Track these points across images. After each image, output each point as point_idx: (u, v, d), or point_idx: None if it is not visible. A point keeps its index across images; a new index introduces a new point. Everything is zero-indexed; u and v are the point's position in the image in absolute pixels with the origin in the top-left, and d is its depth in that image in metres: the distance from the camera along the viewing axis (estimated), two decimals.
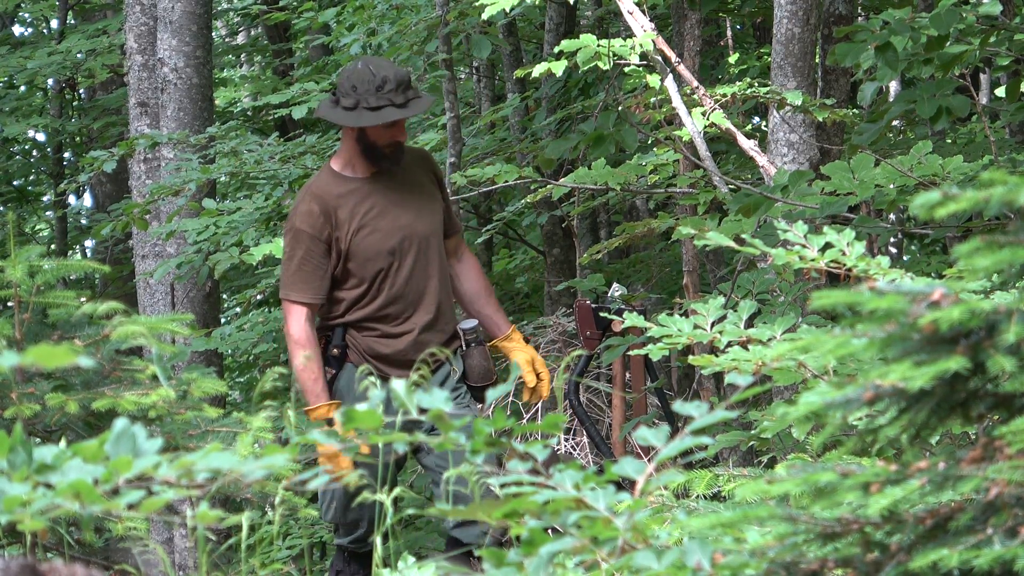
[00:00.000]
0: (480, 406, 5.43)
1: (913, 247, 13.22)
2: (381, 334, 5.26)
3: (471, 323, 5.38)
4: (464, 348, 5.37)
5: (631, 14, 6.94)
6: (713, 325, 3.91)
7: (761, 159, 6.79)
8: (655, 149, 7.88)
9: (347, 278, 5.24)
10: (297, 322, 5.26)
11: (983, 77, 10.93)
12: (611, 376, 7.41)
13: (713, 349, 3.93)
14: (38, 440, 4.14)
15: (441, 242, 5.36)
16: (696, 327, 3.90)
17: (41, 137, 17.72)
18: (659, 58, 6.95)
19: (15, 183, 17.05)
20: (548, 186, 7.26)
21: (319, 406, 5.18)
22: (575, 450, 7.95)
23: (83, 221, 17.18)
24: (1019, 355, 2.11)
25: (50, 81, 15.54)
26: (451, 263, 5.47)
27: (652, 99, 7.02)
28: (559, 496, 2.19)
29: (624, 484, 2.29)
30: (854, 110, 7.84)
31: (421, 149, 5.62)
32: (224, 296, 15.39)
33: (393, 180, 5.27)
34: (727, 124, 6.87)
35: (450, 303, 5.38)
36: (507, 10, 6.87)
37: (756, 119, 11.78)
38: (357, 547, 5.36)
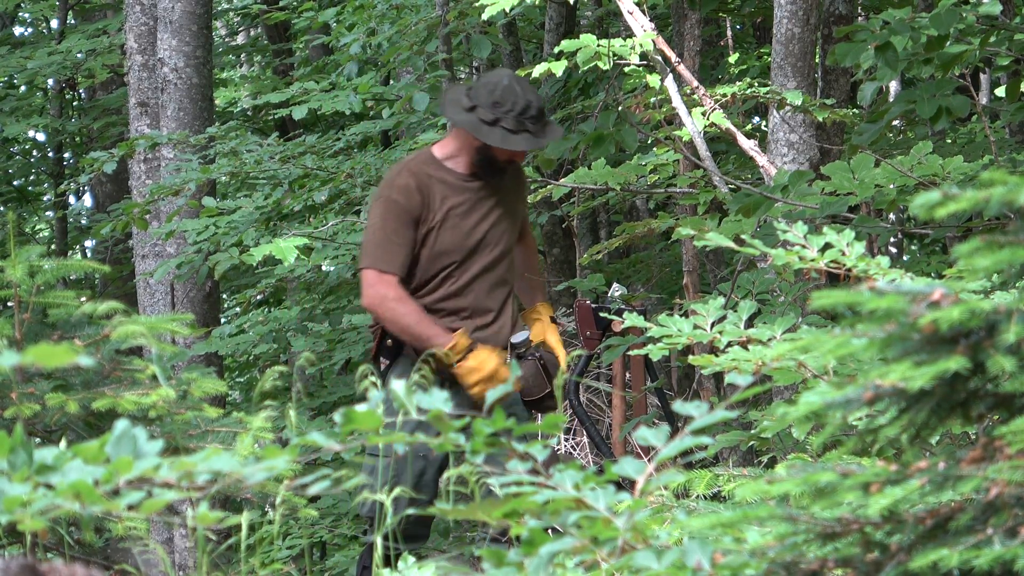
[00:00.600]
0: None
1: (913, 247, 13.22)
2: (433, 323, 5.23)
3: (521, 336, 5.37)
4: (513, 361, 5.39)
5: (631, 14, 6.94)
6: (713, 325, 3.91)
7: (761, 159, 6.79)
8: (655, 149, 7.88)
9: (415, 266, 5.22)
10: (384, 286, 5.16)
11: (983, 77, 10.93)
12: (611, 376, 7.41)
13: (713, 349, 3.93)
14: (38, 440, 4.14)
15: (512, 258, 5.38)
16: (696, 327, 3.90)
17: (41, 137, 17.72)
18: (659, 58, 6.95)
19: (15, 183, 17.05)
20: (548, 186, 7.26)
21: (452, 340, 5.14)
22: (575, 450, 7.95)
23: (83, 221, 17.18)
24: (1019, 355, 2.11)
25: (50, 81, 15.54)
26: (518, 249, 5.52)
27: (652, 99, 7.03)
28: (559, 496, 2.19)
29: (624, 484, 2.29)
30: (854, 110, 7.84)
31: (520, 166, 5.56)
32: (224, 296, 15.39)
33: (487, 187, 5.27)
34: (727, 124, 6.87)
35: (509, 317, 5.37)
36: (507, 10, 6.87)
37: (756, 119, 11.78)
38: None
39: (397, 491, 3.70)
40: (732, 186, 6.84)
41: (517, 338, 5.35)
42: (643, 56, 6.85)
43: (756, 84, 7.02)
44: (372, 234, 5.21)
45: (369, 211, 5.33)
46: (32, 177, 17.50)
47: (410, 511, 4.04)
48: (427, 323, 5.14)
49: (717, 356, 3.78)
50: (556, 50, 6.81)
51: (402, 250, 5.17)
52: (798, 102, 6.53)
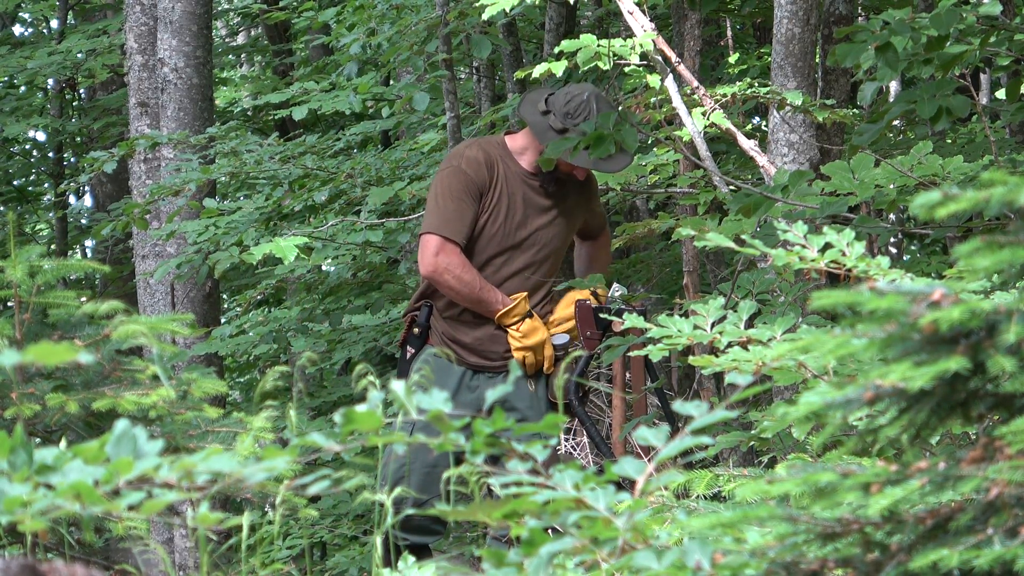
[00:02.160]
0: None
1: (913, 247, 13.22)
2: (462, 320, 5.24)
3: (562, 339, 5.39)
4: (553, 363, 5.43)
5: (631, 14, 6.94)
6: (713, 325, 3.91)
7: (761, 159, 6.79)
8: (655, 149, 7.88)
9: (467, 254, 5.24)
10: (448, 254, 5.14)
11: (983, 77, 10.93)
12: (611, 376, 7.41)
13: (713, 349, 3.93)
14: (38, 440, 4.14)
15: (560, 255, 5.39)
16: (696, 327, 3.90)
17: (41, 137, 17.72)
18: (659, 58, 6.95)
19: (15, 183, 17.05)
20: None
21: (511, 306, 5.15)
22: (575, 450, 7.95)
23: (83, 221, 17.18)
24: (1019, 355, 2.11)
25: (50, 81, 15.54)
26: (588, 243, 5.47)
27: (652, 99, 7.02)
28: (559, 496, 2.19)
29: (624, 484, 2.29)
30: (854, 110, 7.84)
31: (592, 177, 5.56)
32: (224, 296, 15.39)
33: (546, 189, 5.30)
34: (727, 124, 6.87)
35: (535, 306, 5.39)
36: (507, 10, 6.86)
37: (756, 119, 11.78)
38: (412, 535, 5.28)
39: (398, 491, 3.70)
40: (732, 186, 6.83)
41: (557, 340, 5.36)
42: (643, 56, 6.85)
43: (756, 84, 7.02)
44: (437, 201, 5.18)
45: (434, 180, 5.30)
46: (32, 177, 17.49)
47: (410, 510, 4.04)
48: (490, 289, 5.16)
49: (717, 356, 3.78)
50: (556, 50, 6.81)
51: (466, 220, 5.16)
52: (798, 102, 6.53)
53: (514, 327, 5.18)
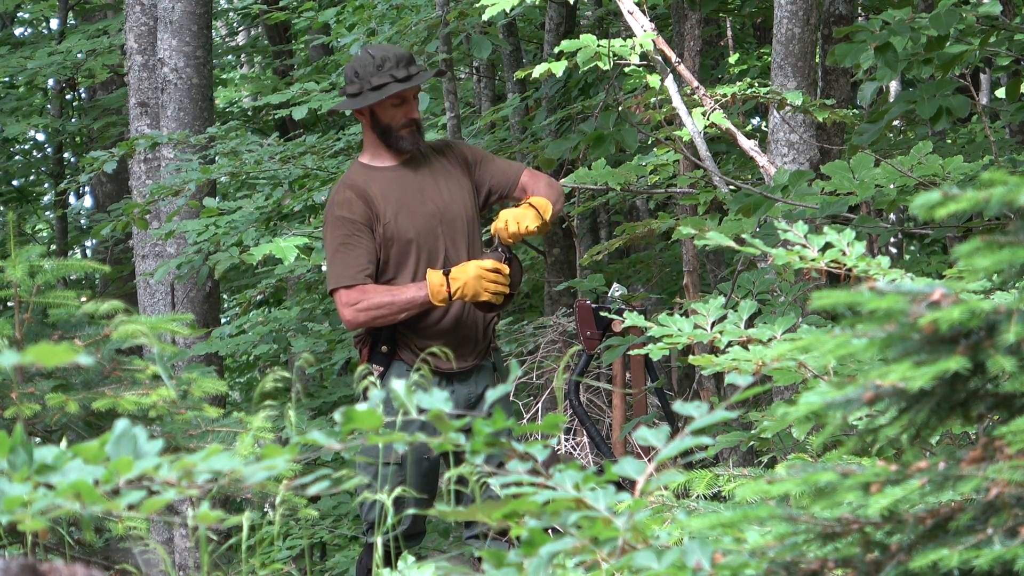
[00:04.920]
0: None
1: (913, 247, 13.22)
2: (422, 324, 5.23)
3: (495, 255, 5.31)
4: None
5: (631, 14, 6.94)
6: (713, 325, 3.91)
7: (761, 159, 6.79)
8: (655, 149, 7.88)
9: (387, 268, 5.23)
10: (350, 297, 5.16)
11: (983, 77, 10.93)
12: (611, 376, 7.42)
13: (713, 349, 3.93)
14: (38, 440, 4.14)
15: (476, 227, 5.35)
16: (696, 327, 3.90)
17: (41, 137, 17.73)
18: (659, 58, 6.95)
19: (15, 183, 17.06)
20: None
21: (429, 287, 5.12)
22: (575, 450, 7.95)
23: (83, 221, 17.19)
24: (1019, 355, 2.11)
25: (50, 81, 15.55)
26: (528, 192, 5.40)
27: (652, 99, 7.02)
28: (559, 496, 2.19)
29: (624, 484, 2.29)
30: (854, 110, 7.84)
31: (443, 140, 5.57)
32: (224, 296, 15.39)
33: (420, 166, 5.28)
34: (727, 124, 6.87)
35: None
36: (507, 10, 6.87)
37: (756, 119, 11.78)
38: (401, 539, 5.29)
39: (398, 491, 3.70)
40: (732, 186, 6.84)
41: (491, 256, 5.27)
42: (643, 56, 6.85)
43: (756, 84, 7.02)
44: (330, 257, 5.24)
45: (323, 237, 5.35)
46: (32, 177, 17.50)
47: (411, 511, 4.04)
48: (399, 290, 5.15)
49: (717, 356, 3.78)
50: (556, 50, 6.81)
51: (359, 254, 5.18)
52: (798, 102, 6.53)
53: (451, 293, 5.14)
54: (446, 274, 5.14)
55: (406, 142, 5.25)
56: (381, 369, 5.23)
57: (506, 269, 5.18)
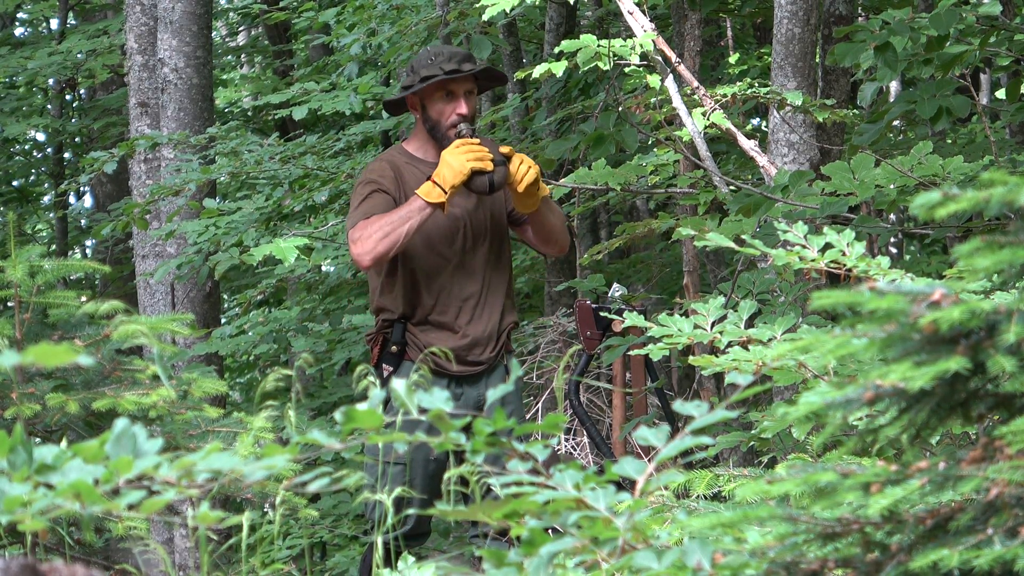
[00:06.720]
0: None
1: (913, 247, 13.22)
2: (434, 326, 5.22)
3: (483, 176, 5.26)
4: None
5: (631, 14, 6.94)
6: (713, 325, 3.91)
7: (761, 159, 6.79)
8: (655, 149, 7.89)
9: (404, 263, 5.21)
10: (361, 230, 5.13)
11: (983, 77, 10.93)
12: (611, 376, 7.42)
13: (713, 349, 3.93)
14: (38, 440, 4.14)
15: (503, 237, 5.34)
16: (696, 327, 3.90)
17: (41, 137, 17.73)
18: (659, 58, 6.95)
19: (15, 183, 17.06)
20: (548, 186, 7.26)
21: (424, 195, 5.09)
22: (575, 450, 7.95)
23: (83, 221, 17.19)
24: (1019, 355, 2.11)
25: (50, 81, 15.54)
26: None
27: (652, 99, 7.03)
28: (559, 496, 2.19)
29: (624, 484, 2.29)
30: (854, 110, 7.84)
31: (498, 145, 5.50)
32: (224, 296, 15.39)
33: None
34: (727, 124, 6.87)
35: (500, 299, 5.32)
36: (507, 10, 6.87)
37: (756, 119, 11.79)
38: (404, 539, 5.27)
39: (400, 491, 3.70)
40: (732, 186, 6.84)
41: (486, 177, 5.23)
42: (643, 56, 6.85)
43: (756, 84, 7.02)
44: (351, 212, 5.23)
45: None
46: (32, 177, 17.51)
47: (411, 511, 4.04)
48: (401, 209, 5.13)
49: (717, 356, 3.78)
50: (556, 50, 6.81)
51: (377, 203, 5.15)
52: (798, 102, 6.53)
53: (442, 185, 5.11)
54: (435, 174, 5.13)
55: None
56: (391, 369, 5.23)
57: (474, 141, 5.15)
